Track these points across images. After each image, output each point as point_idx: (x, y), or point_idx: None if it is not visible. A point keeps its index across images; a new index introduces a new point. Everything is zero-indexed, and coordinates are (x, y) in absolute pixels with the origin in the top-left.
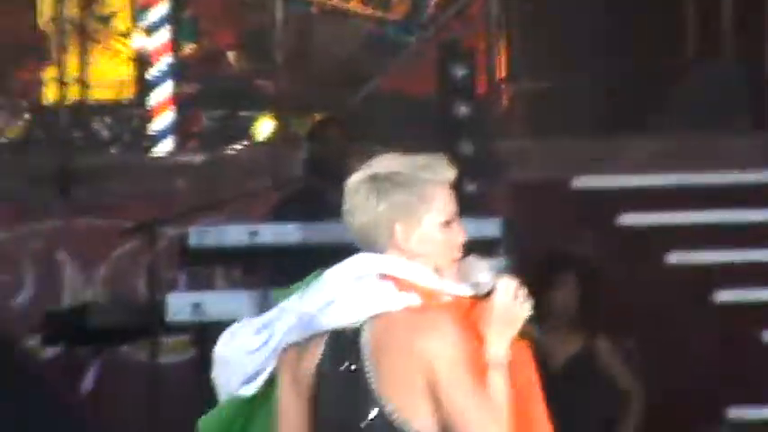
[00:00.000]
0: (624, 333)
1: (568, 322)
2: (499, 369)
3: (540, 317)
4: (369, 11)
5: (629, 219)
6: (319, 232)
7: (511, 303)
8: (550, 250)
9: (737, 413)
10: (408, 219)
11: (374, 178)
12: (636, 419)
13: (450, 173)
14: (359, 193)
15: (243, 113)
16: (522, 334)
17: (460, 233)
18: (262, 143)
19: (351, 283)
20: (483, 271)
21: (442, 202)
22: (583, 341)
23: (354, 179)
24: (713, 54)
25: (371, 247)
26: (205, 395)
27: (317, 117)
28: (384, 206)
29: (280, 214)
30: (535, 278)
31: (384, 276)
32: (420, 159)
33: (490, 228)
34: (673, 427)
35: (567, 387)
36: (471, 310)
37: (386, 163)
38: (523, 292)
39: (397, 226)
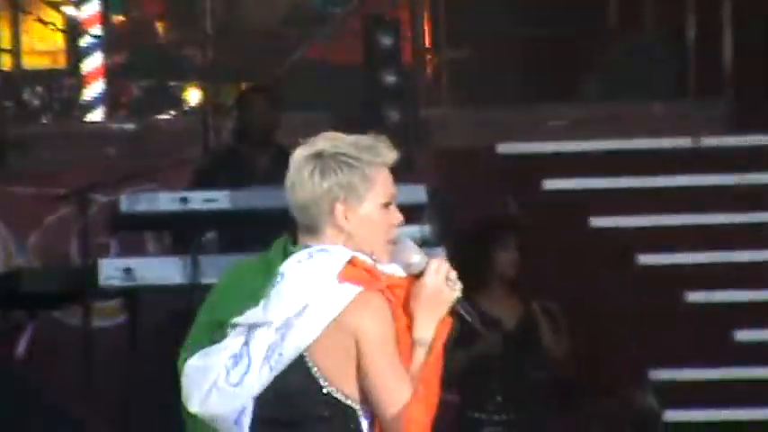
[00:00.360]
0: (548, 297)
1: (507, 287)
2: (423, 346)
3: (480, 279)
4: None
5: (553, 184)
6: (248, 198)
7: (441, 285)
8: (489, 214)
9: (659, 374)
10: (349, 199)
11: (318, 156)
12: (563, 381)
13: (391, 155)
14: (302, 169)
15: (172, 83)
16: (450, 312)
17: (397, 215)
18: (191, 112)
19: (312, 292)
20: (415, 252)
21: (382, 184)
22: (522, 305)
23: (298, 155)
24: (635, 23)
25: (310, 223)
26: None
27: (245, 86)
28: (326, 185)
29: (205, 180)
30: (474, 241)
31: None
32: (364, 140)
33: (415, 194)
34: (597, 389)
35: (517, 351)
36: (405, 289)
37: (330, 142)
38: (454, 273)
39: (337, 205)
